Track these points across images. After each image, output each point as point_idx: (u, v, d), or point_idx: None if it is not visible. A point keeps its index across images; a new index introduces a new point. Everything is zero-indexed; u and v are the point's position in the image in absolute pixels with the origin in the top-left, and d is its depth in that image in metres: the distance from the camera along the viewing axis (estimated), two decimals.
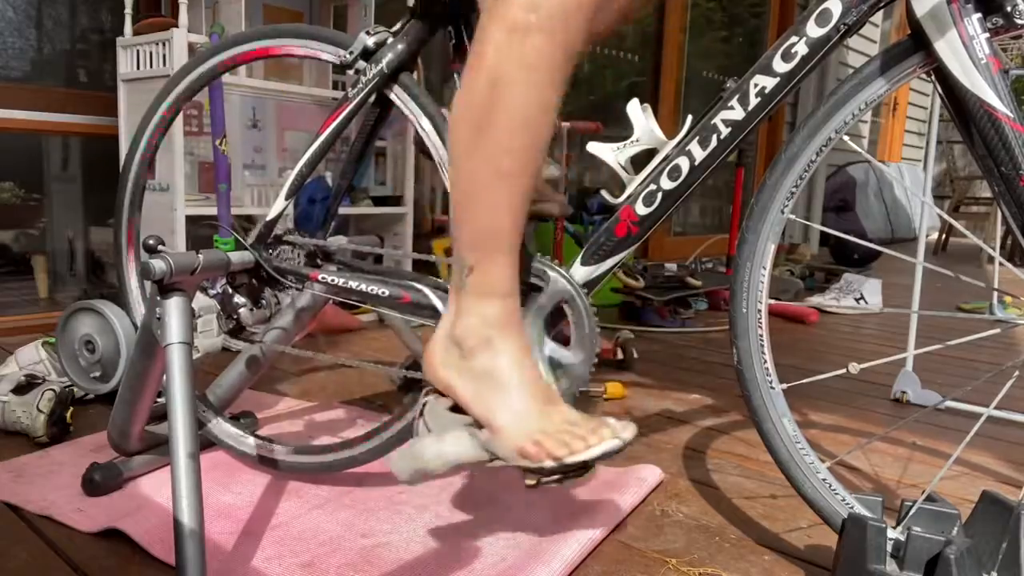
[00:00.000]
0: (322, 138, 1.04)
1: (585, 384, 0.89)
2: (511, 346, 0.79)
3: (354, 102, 1.02)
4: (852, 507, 0.86)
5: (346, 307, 2.17)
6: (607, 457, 0.75)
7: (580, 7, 0.71)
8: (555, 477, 0.78)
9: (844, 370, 0.88)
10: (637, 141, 0.89)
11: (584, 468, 0.78)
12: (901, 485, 1.22)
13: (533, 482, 0.79)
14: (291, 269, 1.03)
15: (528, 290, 0.89)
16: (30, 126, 2.10)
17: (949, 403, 1.61)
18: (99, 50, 2.35)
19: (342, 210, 2.21)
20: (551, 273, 0.88)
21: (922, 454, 1.37)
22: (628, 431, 0.77)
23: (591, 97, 3.69)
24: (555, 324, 0.90)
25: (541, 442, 0.75)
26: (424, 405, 0.84)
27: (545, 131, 0.76)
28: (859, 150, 0.97)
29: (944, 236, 5.77)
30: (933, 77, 0.78)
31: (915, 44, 0.78)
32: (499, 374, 0.79)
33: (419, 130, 0.99)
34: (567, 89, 0.77)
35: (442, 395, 0.83)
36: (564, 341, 0.90)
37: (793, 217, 0.88)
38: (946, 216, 1.00)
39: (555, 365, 0.90)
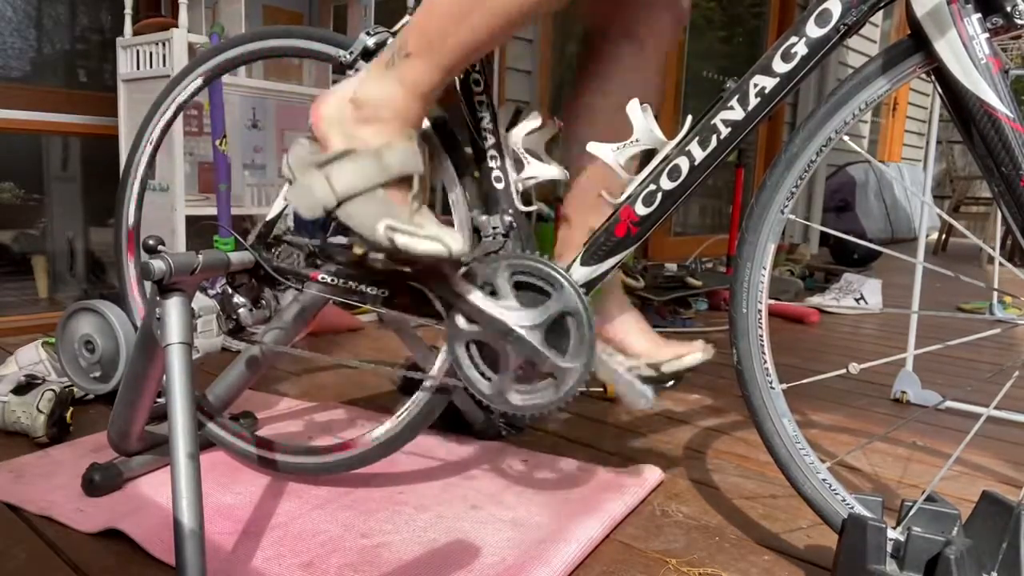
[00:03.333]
0: None
1: (580, 390, 0.90)
2: (396, 135, 0.82)
3: None
4: (852, 507, 0.86)
5: (346, 307, 2.17)
6: (432, 259, 0.82)
7: None
8: (380, 256, 0.85)
9: (844, 370, 0.88)
10: (636, 141, 0.89)
11: (411, 263, 0.84)
12: (901, 485, 1.22)
13: (360, 251, 0.86)
14: (291, 269, 1.03)
15: (537, 293, 0.89)
16: (30, 126, 2.10)
17: (949, 403, 1.61)
18: (99, 50, 2.35)
19: None
20: (562, 282, 0.88)
21: (922, 454, 1.37)
22: (457, 244, 0.82)
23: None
24: (556, 330, 0.90)
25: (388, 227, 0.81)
26: (296, 143, 0.86)
27: None
28: (859, 150, 0.97)
29: (944, 236, 5.77)
30: (933, 77, 0.78)
31: (915, 44, 0.78)
32: (374, 155, 0.81)
33: None
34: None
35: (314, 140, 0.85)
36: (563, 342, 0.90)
37: (793, 217, 0.88)
38: (946, 216, 1.00)
39: (549, 372, 0.90)
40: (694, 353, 1.00)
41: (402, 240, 0.80)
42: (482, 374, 0.93)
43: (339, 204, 0.82)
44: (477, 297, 0.89)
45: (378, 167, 0.81)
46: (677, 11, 1.03)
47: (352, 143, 0.82)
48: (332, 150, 0.82)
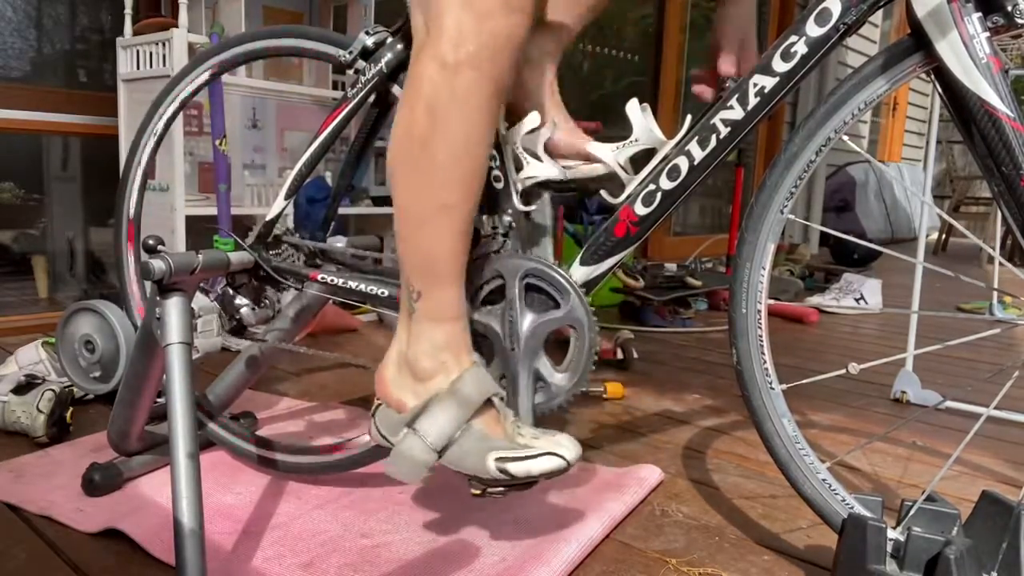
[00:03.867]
0: (322, 138, 1.04)
1: (562, 406, 0.91)
2: (461, 368, 0.82)
3: (353, 102, 1.02)
4: (852, 507, 0.86)
5: (346, 307, 2.17)
6: (550, 476, 0.79)
7: (508, 43, 0.74)
8: (500, 489, 0.81)
9: (844, 370, 0.88)
10: (636, 141, 0.89)
11: (529, 483, 0.81)
12: (901, 485, 1.22)
13: (479, 492, 0.82)
14: (291, 269, 1.03)
15: (545, 298, 0.90)
16: (30, 126, 2.10)
17: (949, 403, 1.61)
18: (99, 50, 2.34)
19: (342, 210, 2.22)
20: (572, 295, 0.88)
21: (922, 454, 1.37)
22: (572, 452, 0.80)
23: (591, 97, 3.69)
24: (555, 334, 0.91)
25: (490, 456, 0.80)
26: (377, 407, 0.86)
27: (483, 161, 0.79)
28: (859, 150, 0.97)
29: (944, 236, 5.77)
30: (933, 77, 0.78)
31: (915, 43, 0.78)
32: (451, 394, 0.81)
33: None
34: (500, 121, 0.81)
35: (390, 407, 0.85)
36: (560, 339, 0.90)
37: (793, 217, 0.88)
38: (946, 216, 1.00)
39: (538, 377, 0.90)
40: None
41: (516, 468, 0.79)
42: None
43: (440, 454, 0.81)
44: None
45: (459, 404, 0.80)
46: None
47: (426, 396, 0.82)
48: (411, 409, 0.82)
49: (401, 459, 0.81)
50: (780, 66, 0.81)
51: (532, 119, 0.88)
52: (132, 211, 1.20)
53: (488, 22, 0.72)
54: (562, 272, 0.88)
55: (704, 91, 0.96)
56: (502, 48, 0.74)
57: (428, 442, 0.80)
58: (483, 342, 0.92)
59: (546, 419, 0.90)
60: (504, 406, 0.84)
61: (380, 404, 0.86)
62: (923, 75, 0.79)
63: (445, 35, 0.73)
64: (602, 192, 0.92)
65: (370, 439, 0.89)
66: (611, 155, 0.90)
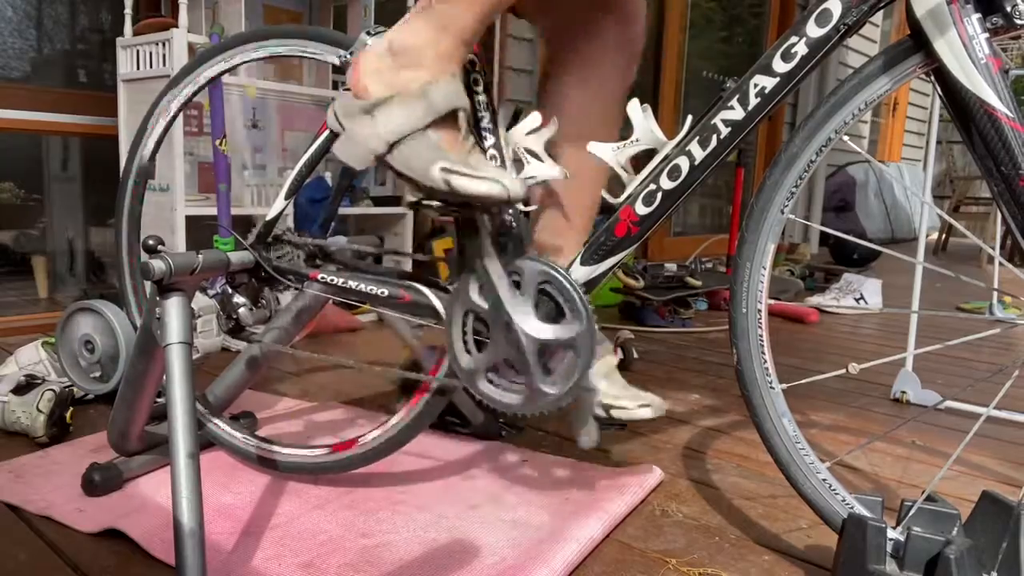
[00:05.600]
0: (322, 138, 1.04)
1: (547, 412, 0.91)
2: (439, 74, 0.80)
3: None
4: (852, 507, 0.86)
5: (346, 307, 2.17)
6: (487, 202, 0.81)
7: None
8: (435, 203, 0.83)
9: (844, 370, 0.88)
10: (637, 141, 0.89)
11: (467, 206, 0.82)
12: (901, 485, 1.22)
13: (413, 200, 0.84)
14: (291, 269, 1.03)
15: (547, 299, 0.89)
16: (30, 126, 2.10)
17: (949, 403, 1.61)
18: (99, 50, 2.35)
19: (342, 210, 2.22)
20: (580, 309, 0.87)
21: (922, 454, 1.37)
22: (516, 187, 0.79)
23: None
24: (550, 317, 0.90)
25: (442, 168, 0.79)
26: (339, 96, 0.85)
27: None
28: (859, 150, 0.97)
29: (944, 236, 5.77)
30: (933, 77, 0.78)
31: (915, 44, 0.78)
32: (418, 95, 0.79)
33: None
34: None
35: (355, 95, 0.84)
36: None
37: (793, 217, 0.88)
38: (946, 216, 1.00)
39: (527, 384, 0.90)
40: (645, 409, 1.01)
41: (458, 182, 0.78)
42: (466, 348, 0.93)
43: (390, 149, 0.80)
44: (498, 273, 0.88)
45: (424, 105, 0.79)
46: (629, 52, 1.04)
47: (394, 89, 0.80)
48: (374, 98, 0.80)
49: (351, 143, 0.81)
50: (780, 66, 0.81)
51: (532, 119, 0.88)
52: (131, 213, 1.20)
53: None
54: (562, 272, 0.88)
55: None
56: None
57: (381, 131, 0.79)
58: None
59: (547, 416, 0.90)
60: (468, 128, 0.83)
61: (342, 92, 0.84)
62: (923, 75, 0.79)
63: None
64: (602, 192, 0.92)
65: (328, 125, 0.86)
66: (612, 155, 0.90)
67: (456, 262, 0.94)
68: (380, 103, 0.80)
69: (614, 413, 0.97)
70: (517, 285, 0.89)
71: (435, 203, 0.83)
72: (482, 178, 0.78)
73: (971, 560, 0.76)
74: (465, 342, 0.93)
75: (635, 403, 0.99)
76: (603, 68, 1.04)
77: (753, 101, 0.83)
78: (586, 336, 0.87)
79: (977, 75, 0.73)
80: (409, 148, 0.79)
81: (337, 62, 1.03)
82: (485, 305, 0.90)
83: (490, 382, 0.92)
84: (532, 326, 0.88)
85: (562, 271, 0.88)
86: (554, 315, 0.89)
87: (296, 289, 1.04)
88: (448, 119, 0.81)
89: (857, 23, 0.78)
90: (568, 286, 0.87)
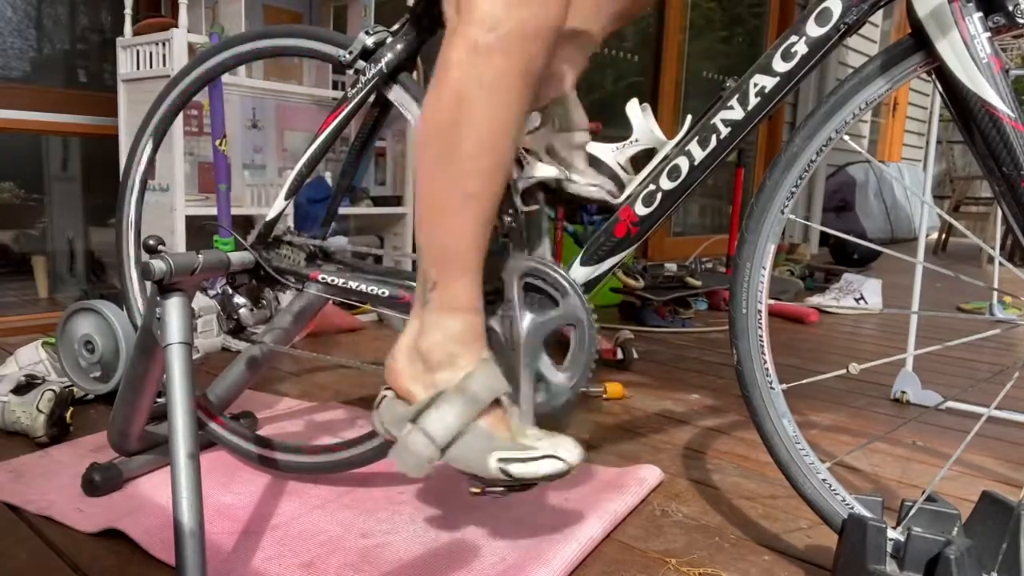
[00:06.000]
0: (322, 138, 1.04)
1: (563, 405, 0.90)
2: (473, 364, 0.81)
3: (353, 102, 1.02)
4: (852, 507, 0.86)
5: (346, 307, 2.17)
6: (550, 479, 0.79)
7: (539, 31, 0.72)
8: (499, 489, 0.81)
9: (844, 370, 0.88)
10: (636, 141, 0.89)
11: (528, 485, 0.81)
12: (901, 485, 1.22)
13: (478, 490, 0.82)
14: (291, 269, 1.03)
15: (544, 298, 0.90)
16: (30, 126, 2.10)
17: (949, 403, 1.61)
18: (99, 50, 2.34)
19: (342, 210, 2.22)
20: (570, 291, 0.88)
21: (922, 454, 1.37)
22: (573, 455, 0.80)
23: (591, 97, 3.69)
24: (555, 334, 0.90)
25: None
26: (382, 399, 0.85)
27: (509, 152, 0.77)
28: (859, 150, 0.97)
29: (944, 236, 5.77)
30: (934, 77, 0.78)
31: (916, 43, 0.78)
32: (459, 391, 0.80)
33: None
34: (529, 112, 0.78)
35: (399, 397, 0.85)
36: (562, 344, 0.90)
37: (793, 217, 0.88)
38: (946, 216, 1.00)
39: (539, 378, 0.90)
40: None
41: (518, 470, 0.78)
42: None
43: (442, 453, 0.80)
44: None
45: (467, 402, 0.79)
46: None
47: (436, 388, 0.81)
48: (418, 402, 0.81)
49: (405, 453, 0.80)
50: (780, 66, 0.81)
51: (531, 119, 0.88)
52: (131, 213, 1.20)
53: (522, 8, 0.71)
54: (562, 272, 0.88)
55: None
56: (535, 35, 0.72)
57: (433, 439, 0.79)
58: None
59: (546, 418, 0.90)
60: (511, 405, 0.83)
61: (385, 396, 0.85)
62: (924, 75, 0.79)
63: (476, 19, 0.71)
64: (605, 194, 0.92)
65: (375, 426, 0.87)
66: (611, 155, 0.90)
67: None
68: (424, 408, 0.80)
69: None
70: (527, 288, 0.90)
71: (499, 489, 0.83)
72: (539, 458, 0.79)
73: (971, 560, 0.76)
74: None
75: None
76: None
77: (753, 101, 0.83)
78: (578, 309, 0.87)
79: (979, 75, 0.73)
80: (461, 447, 0.80)
81: (337, 61, 1.03)
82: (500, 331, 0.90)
83: None
84: (532, 355, 0.88)
85: (562, 272, 0.88)
86: (547, 306, 0.90)
87: (296, 289, 1.04)
88: (494, 405, 0.81)
89: (857, 22, 0.78)
90: (554, 275, 0.88)
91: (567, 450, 0.80)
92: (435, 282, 0.80)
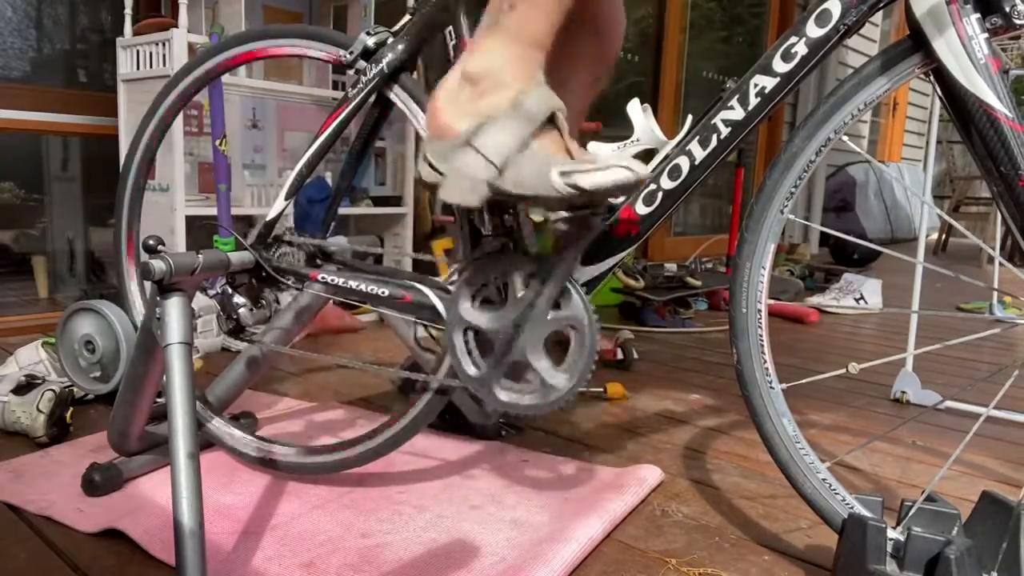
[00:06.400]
0: (322, 138, 1.04)
1: (560, 406, 0.89)
2: (524, 83, 0.75)
3: (354, 102, 1.02)
4: (852, 507, 0.86)
5: (346, 307, 2.17)
6: (620, 191, 0.73)
7: None
8: (564, 215, 0.75)
9: (844, 370, 0.88)
10: (637, 141, 0.89)
11: (593, 206, 0.75)
12: (901, 485, 1.22)
13: (540, 219, 0.77)
14: (291, 269, 1.03)
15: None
16: (30, 126, 2.10)
17: (949, 403, 1.61)
18: (99, 50, 2.35)
19: (342, 210, 2.22)
20: (573, 294, 0.87)
21: (922, 454, 1.37)
22: (640, 166, 0.73)
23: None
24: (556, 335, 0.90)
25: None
26: (425, 146, 0.80)
27: None
28: (859, 150, 0.97)
29: (944, 236, 5.77)
30: (932, 77, 0.78)
31: (914, 44, 0.78)
32: (514, 108, 0.75)
33: (419, 130, 0.99)
34: None
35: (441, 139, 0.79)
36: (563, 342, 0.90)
37: (793, 217, 0.88)
38: (946, 216, 1.00)
39: (540, 381, 0.90)
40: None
41: (585, 180, 0.71)
42: (474, 362, 0.93)
43: (501, 172, 0.74)
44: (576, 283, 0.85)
45: (523, 117, 0.74)
46: (601, 66, 1.02)
47: (483, 116, 0.75)
48: (464, 131, 0.76)
49: (458, 178, 0.75)
50: (780, 67, 0.81)
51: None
52: (131, 213, 1.20)
53: None
54: (583, 296, 0.88)
55: None
56: None
57: (488, 155, 0.74)
58: (485, 345, 0.92)
59: (547, 416, 0.90)
60: (567, 126, 0.77)
61: (427, 140, 0.80)
62: (922, 76, 0.79)
63: None
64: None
65: (420, 175, 0.80)
66: (612, 155, 0.90)
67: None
68: (474, 133, 0.75)
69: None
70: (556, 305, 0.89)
71: (564, 214, 0.77)
72: (607, 167, 0.72)
73: (971, 560, 0.76)
74: (475, 297, 0.92)
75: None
76: (572, 88, 1.01)
77: (753, 101, 0.83)
78: (580, 310, 0.86)
79: (976, 75, 0.73)
80: (519, 166, 0.74)
81: (337, 61, 1.03)
82: (518, 292, 0.87)
83: (465, 340, 0.93)
84: (533, 348, 0.87)
85: (585, 301, 0.88)
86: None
87: (296, 289, 1.04)
88: (548, 124, 0.76)
89: (857, 23, 0.78)
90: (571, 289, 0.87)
91: (635, 163, 0.73)
92: (514, 3, 0.75)
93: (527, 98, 0.75)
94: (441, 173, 0.77)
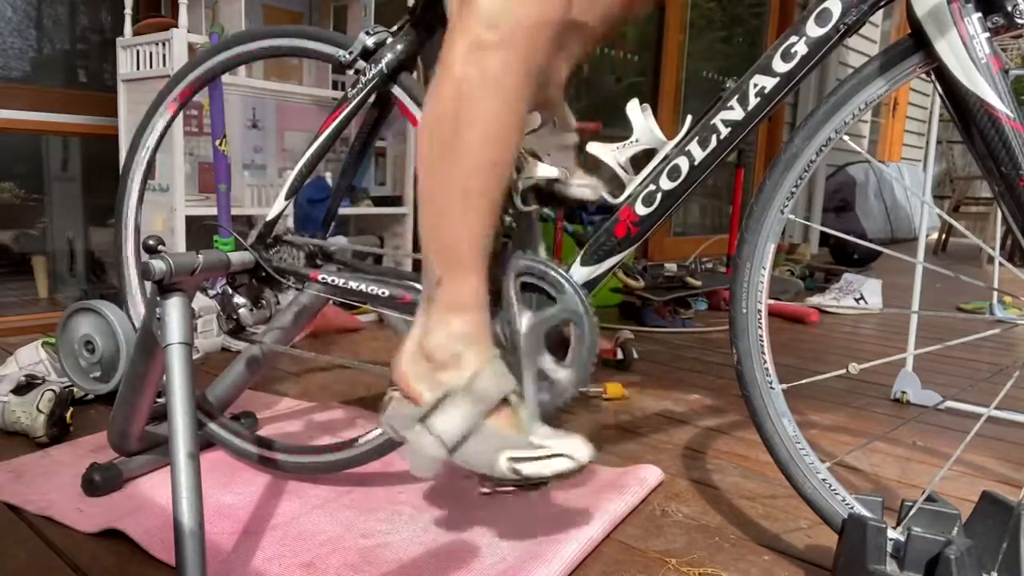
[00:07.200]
0: (322, 138, 1.04)
1: (567, 403, 0.90)
2: (480, 362, 0.80)
3: (354, 102, 1.02)
4: (852, 507, 0.86)
5: (346, 307, 2.17)
6: (561, 478, 0.79)
7: (541, 26, 0.72)
8: (510, 488, 0.81)
9: (844, 370, 0.88)
10: (637, 141, 0.89)
11: (539, 484, 0.81)
12: (901, 485, 1.22)
13: (488, 490, 0.82)
14: (291, 269, 1.03)
15: (543, 297, 0.89)
16: (30, 126, 2.10)
17: (949, 403, 1.61)
18: (99, 50, 2.35)
19: (342, 210, 2.22)
20: (567, 288, 0.87)
21: (922, 454, 1.37)
22: (584, 453, 0.79)
23: (591, 97, 3.69)
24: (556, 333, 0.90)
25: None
26: (389, 400, 0.85)
27: (511, 147, 0.77)
28: (859, 150, 0.97)
29: (944, 236, 5.77)
30: (933, 77, 0.78)
31: (915, 44, 0.78)
32: (466, 391, 0.79)
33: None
34: (532, 108, 0.78)
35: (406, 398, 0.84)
36: (563, 343, 0.90)
37: (793, 217, 0.88)
38: (946, 216, 1.00)
39: (542, 377, 0.90)
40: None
41: (528, 469, 0.78)
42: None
43: (451, 454, 0.79)
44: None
45: (475, 401, 0.79)
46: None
47: (443, 389, 0.80)
48: (425, 403, 0.81)
49: (415, 454, 0.80)
50: (780, 66, 0.81)
51: (532, 119, 0.88)
52: (131, 213, 1.20)
53: (523, 4, 0.71)
54: (561, 271, 0.88)
55: None
56: (536, 30, 0.72)
57: (442, 440, 0.79)
58: None
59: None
60: (520, 402, 0.83)
61: (392, 398, 0.85)
62: (923, 75, 0.79)
63: (477, 15, 0.71)
64: (604, 194, 0.92)
65: (383, 427, 0.86)
66: (612, 155, 0.90)
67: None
68: (431, 410, 0.80)
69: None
70: (524, 288, 0.89)
71: (509, 488, 0.82)
72: (549, 457, 0.78)
73: (971, 560, 0.76)
74: None
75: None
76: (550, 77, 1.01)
77: (753, 101, 0.83)
78: (576, 304, 0.87)
79: (977, 75, 0.73)
80: (471, 446, 0.79)
81: (337, 62, 1.03)
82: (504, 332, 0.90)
83: None
84: (532, 349, 0.88)
85: (564, 273, 0.88)
86: (546, 305, 0.89)
87: (296, 289, 1.04)
88: (502, 403, 0.80)
89: (857, 23, 0.78)
90: (553, 274, 0.88)
91: (577, 448, 0.79)
92: (439, 279, 0.79)
93: (480, 381, 0.79)
94: (401, 439, 0.83)
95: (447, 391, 0.80)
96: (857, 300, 2.96)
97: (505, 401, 0.81)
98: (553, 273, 0.88)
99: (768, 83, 0.82)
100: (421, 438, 0.80)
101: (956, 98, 0.75)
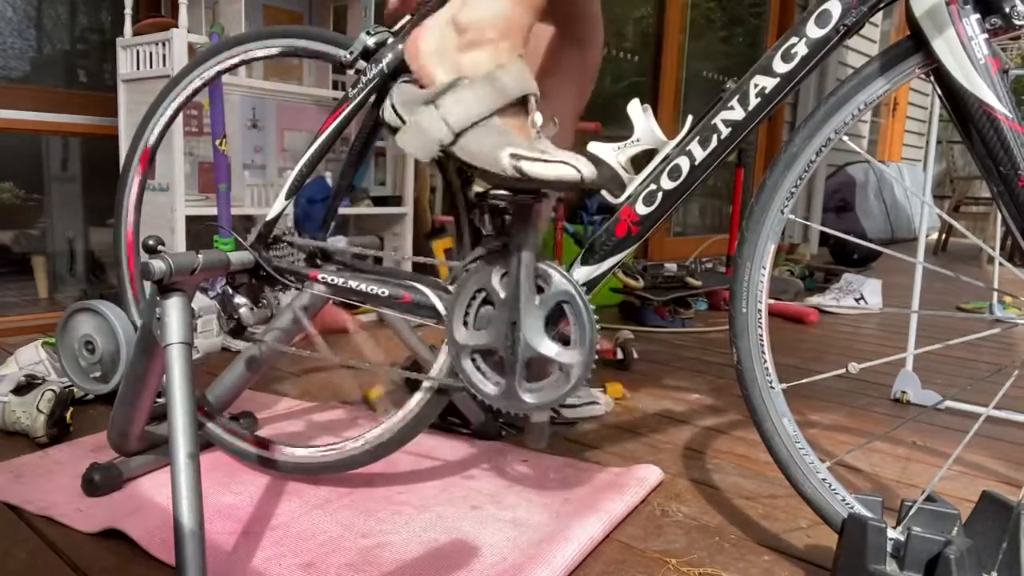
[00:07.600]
0: (322, 138, 1.04)
1: (585, 383, 0.89)
2: (507, 56, 0.76)
3: (354, 102, 1.02)
4: (852, 507, 0.86)
5: (346, 307, 2.17)
6: (560, 187, 0.76)
7: None
8: (503, 192, 0.78)
9: (844, 370, 0.88)
10: (637, 141, 0.89)
11: (534, 192, 0.78)
12: (901, 485, 1.22)
13: (481, 190, 0.79)
14: (291, 269, 1.03)
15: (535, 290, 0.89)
16: (30, 126, 2.10)
17: (949, 403, 1.61)
18: (99, 50, 2.35)
19: (342, 210, 2.22)
20: (552, 273, 0.88)
21: (922, 454, 1.37)
22: (587, 169, 0.76)
23: (591, 97, 3.68)
24: (556, 325, 0.90)
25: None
26: (394, 88, 0.81)
27: None
28: (859, 150, 0.97)
29: (944, 236, 5.77)
30: (932, 78, 0.78)
31: (914, 45, 0.78)
32: (488, 78, 0.75)
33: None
34: None
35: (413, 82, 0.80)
36: (564, 341, 0.90)
37: (793, 217, 0.88)
38: (946, 216, 1.00)
39: (553, 366, 0.90)
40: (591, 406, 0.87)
41: (530, 167, 0.73)
42: (464, 323, 0.93)
43: (456, 139, 0.75)
44: (528, 270, 0.86)
45: (494, 91, 0.74)
46: (586, 78, 1.06)
47: (460, 71, 0.75)
48: (439, 83, 0.76)
49: (416, 133, 0.76)
50: (780, 67, 0.81)
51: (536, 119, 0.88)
52: (131, 213, 1.20)
53: None
54: (561, 271, 0.88)
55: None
56: None
57: (449, 120, 0.75)
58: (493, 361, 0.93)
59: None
60: (535, 111, 0.78)
61: (398, 82, 0.80)
62: (923, 76, 0.79)
63: None
64: (603, 192, 0.92)
65: (383, 116, 0.82)
66: (612, 155, 0.90)
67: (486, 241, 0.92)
68: (445, 90, 0.76)
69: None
70: (539, 290, 0.89)
71: (503, 192, 0.79)
72: (554, 161, 0.74)
73: (971, 560, 0.76)
74: (466, 319, 0.93)
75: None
76: (561, 99, 1.03)
77: (753, 101, 0.83)
78: (567, 289, 0.87)
79: (976, 76, 0.73)
80: (475, 136, 0.75)
81: (337, 62, 1.03)
82: (502, 294, 0.89)
83: (474, 363, 0.93)
84: (535, 337, 0.88)
85: (566, 275, 0.88)
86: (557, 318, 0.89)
87: (296, 289, 1.04)
88: (516, 104, 0.77)
89: (857, 24, 0.78)
90: (553, 274, 0.88)
91: (582, 163, 0.76)
92: None
93: (504, 73, 0.76)
94: (403, 120, 0.79)
95: (465, 75, 0.75)
96: (857, 300, 2.96)
97: (522, 105, 0.77)
98: (557, 276, 0.88)
99: (769, 83, 0.82)
100: (430, 116, 0.76)
101: (955, 99, 0.75)
